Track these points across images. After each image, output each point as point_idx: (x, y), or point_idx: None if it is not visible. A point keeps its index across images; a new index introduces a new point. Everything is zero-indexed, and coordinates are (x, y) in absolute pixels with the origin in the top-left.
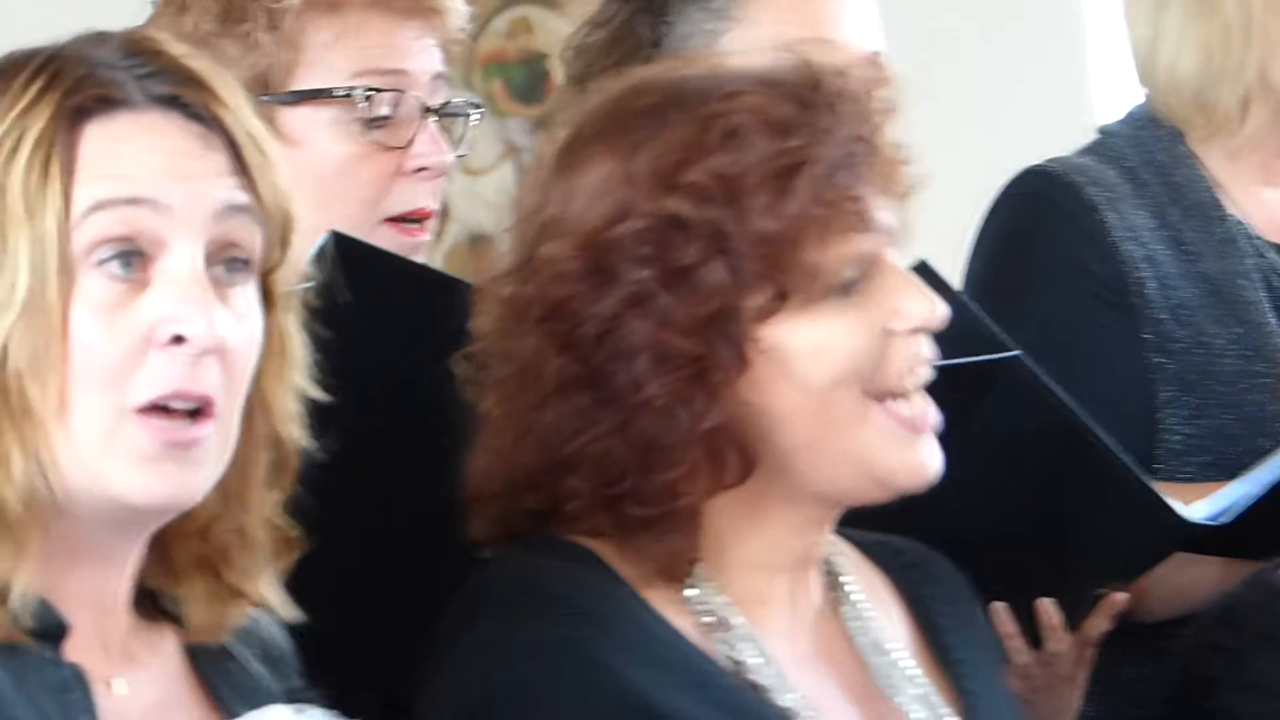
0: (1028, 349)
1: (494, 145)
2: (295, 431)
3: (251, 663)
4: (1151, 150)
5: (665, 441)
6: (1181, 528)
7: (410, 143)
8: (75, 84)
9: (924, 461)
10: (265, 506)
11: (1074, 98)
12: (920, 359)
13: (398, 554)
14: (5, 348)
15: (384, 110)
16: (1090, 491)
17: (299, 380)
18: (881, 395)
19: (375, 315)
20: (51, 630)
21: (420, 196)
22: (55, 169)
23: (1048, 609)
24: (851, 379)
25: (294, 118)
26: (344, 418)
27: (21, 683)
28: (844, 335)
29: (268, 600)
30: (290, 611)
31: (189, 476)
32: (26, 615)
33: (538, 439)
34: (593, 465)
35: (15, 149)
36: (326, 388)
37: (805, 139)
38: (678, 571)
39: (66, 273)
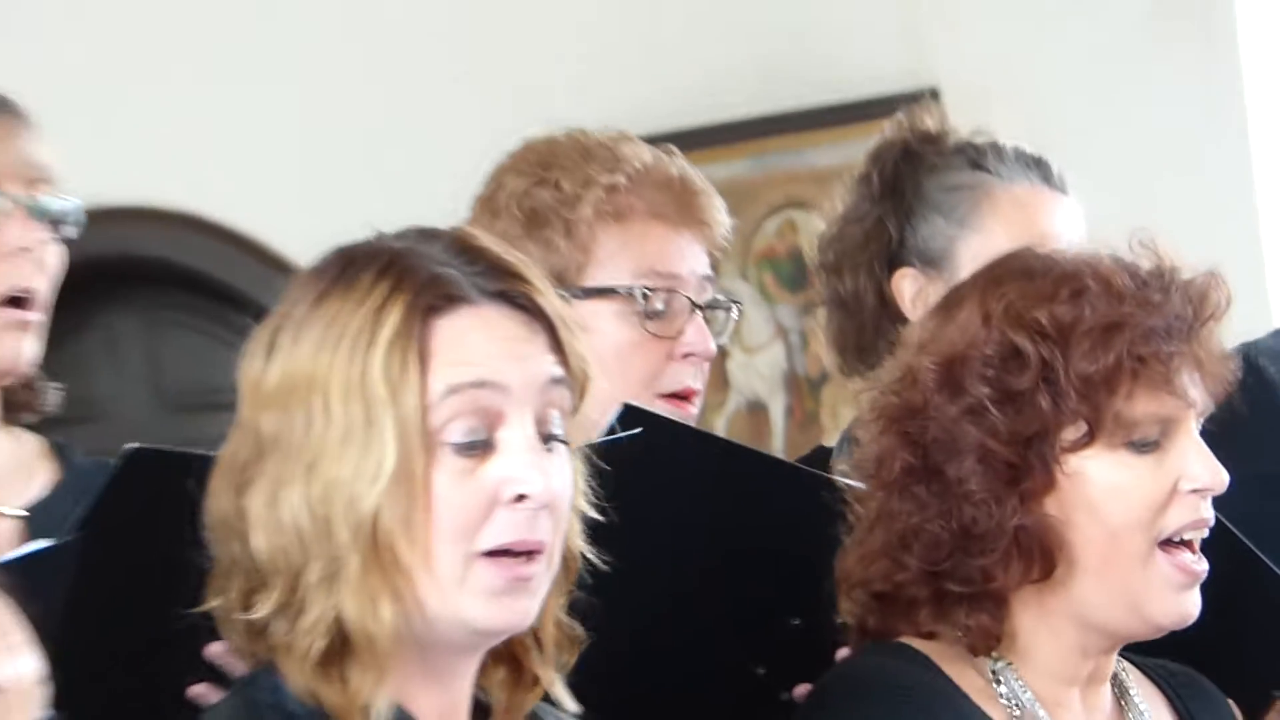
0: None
1: (766, 327)
2: (577, 544)
3: None
4: None
5: (980, 530)
6: None
7: (680, 333)
8: (422, 286)
9: (1189, 609)
10: (554, 608)
11: (1254, 291)
12: (1201, 517)
13: (672, 662)
14: (377, 512)
15: (659, 306)
16: (1264, 613)
17: (581, 502)
18: (1162, 543)
19: (663, 474)
20: None
21: (687, 378)
22: (412, 358)
23: (1233, 710)
24: (1139, 524)
25: (583, 309)
26: (630, 552)
27: None
28: (1139, 483)
29: (555, 690)
30: (570, 702)
31: (526, 605)
32: None
33: (884, 522)
34: (922, 545)
35: (372, 340)
36: (617, 537)
37: (1134, 306)
38: (983, 647)
39: (427, 447)
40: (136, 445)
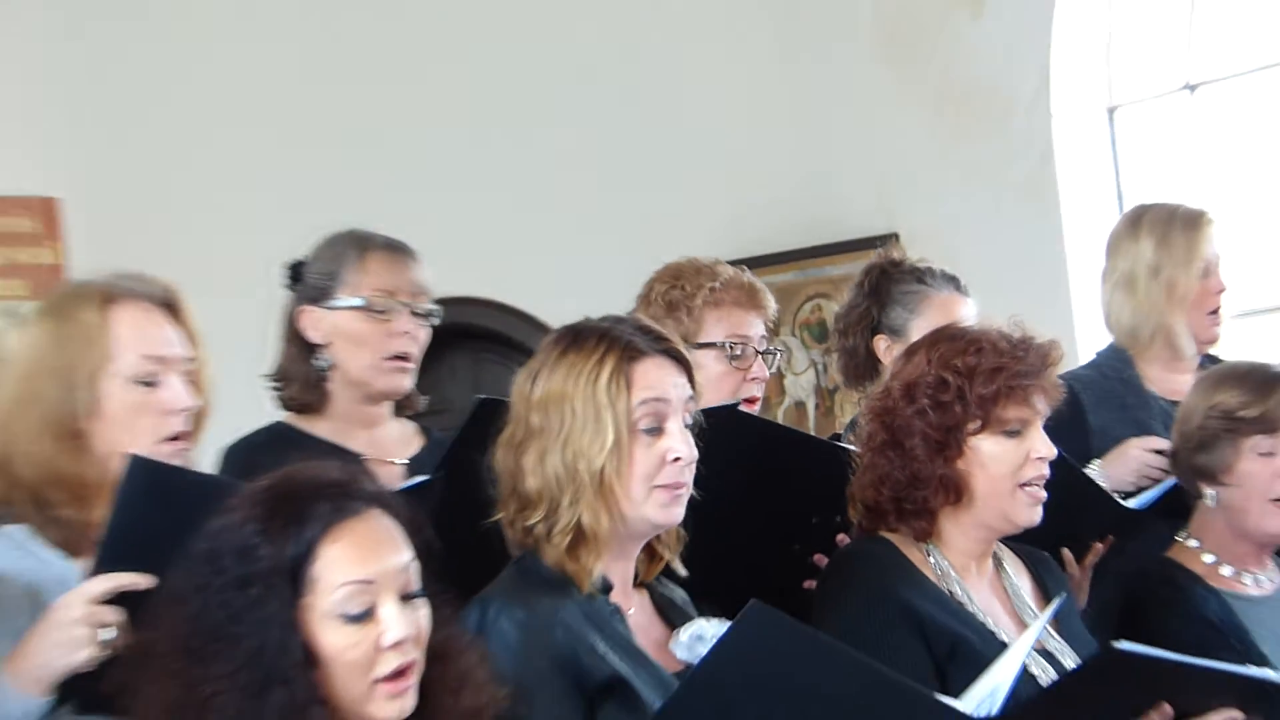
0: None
1: (805, 361)
2: None
3: (679, 603)
4: (1114, 360)
5: (921, 477)
6: (1128, 513)
7: (750, 367)
8: (624, 345)
9: (1035, 518)
10: None
11: (1067, 345)
12: (1042, 473)
13: (744, 544)
14: (603, 466)
15: (738, 353)
16: (1089, 503)
17: None
18: (1021, 484)
19: (741, 441)
20: (607, 589)
21: (754, 391)
22: (622, 384)
23: (1068, 554)
24: (1008, 475)
25: (697, 355)
26: (722, 482)
27: (595, 613)
28: (1009, 454)
29: (674, 564)
30: (681, 569)
31: (679, 511)
32: (599, 583)
33: (870, 470)
34: (890, 484)
35: (598, 375)
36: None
37: (1008, 359)
38: (923, 538)
39: (630, 433)
40: (483, 395)
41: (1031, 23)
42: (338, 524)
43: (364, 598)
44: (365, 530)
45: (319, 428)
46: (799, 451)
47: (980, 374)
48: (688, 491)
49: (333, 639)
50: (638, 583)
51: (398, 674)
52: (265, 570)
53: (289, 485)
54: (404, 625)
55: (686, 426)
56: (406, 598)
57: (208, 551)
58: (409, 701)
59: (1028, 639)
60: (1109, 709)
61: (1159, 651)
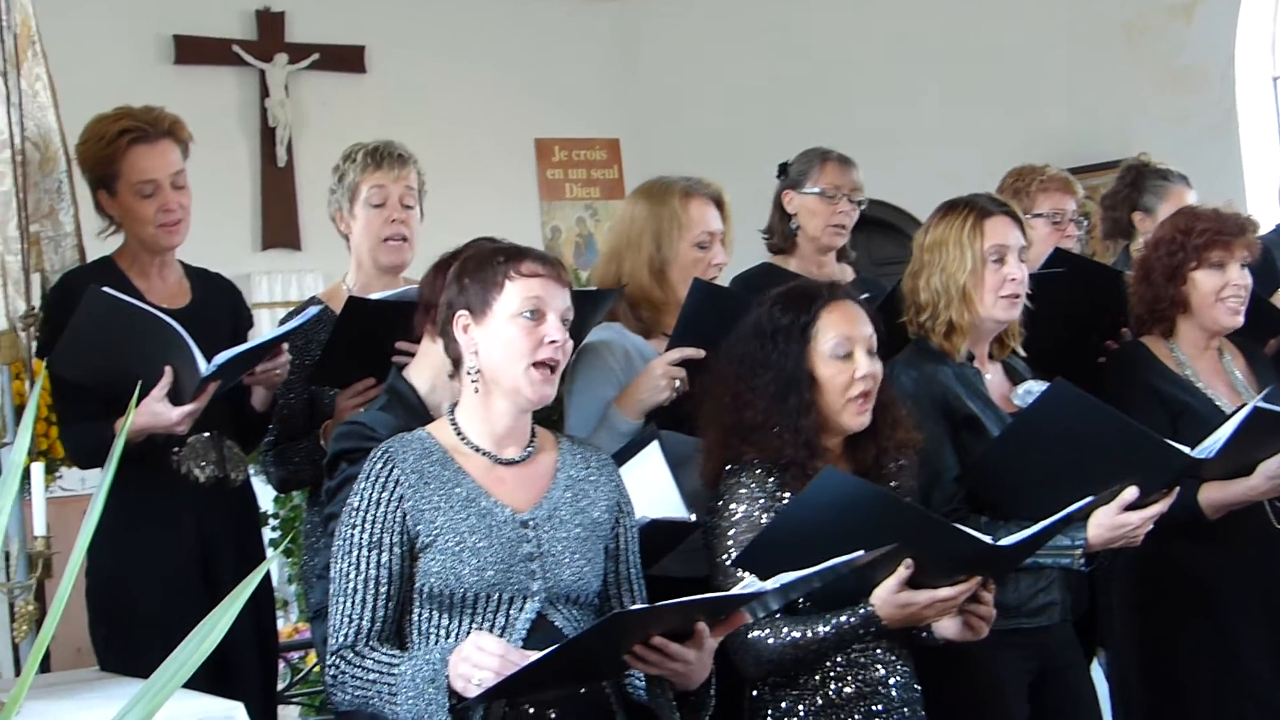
0: None
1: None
2: None
3: (1021, 370)
4: None
5: (1162, 296)
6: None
7: (1066, 230)
8: (979, 208)
9: (1236, 322)
10: None
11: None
12: (1237, 286)
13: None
14: (965, 284)
15: (1057, 220)
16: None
17: None
18: (1220, 299)
19: (1065, 274)
20: (970, 358)
21: (1068, 244)
22: (978, 233)
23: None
24: (1214, 294)
25: (1031, 222)
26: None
27: (961, 374)
28: (1214, 280)
29: (1015, 347)
30: (1021, 351)
31: (1016, 312)
32: (965, 355)
33: (1135, 294)
34: (1145, 302)
35: (963, 225)
36: None
37: (1211, 223)
38: (1166, 336)
39: (983, 263)
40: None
41: (1223, 25)
42: (830, 303)
43: (846, 346)
44: (845, 309)
45: (789, 264)
46: (1097, 274)
47: (1194, 233)
48: (1022, 299)
49: (824, 370)
50: (995, 357)
51: (862, 395)
52: (787, 326)
53: (802, 284)
54: (869, 366)
55: (1021, 261)
56: (870, 352)
57: (755, 321)
58: (866, 419)
59: (1243, 411)
60: (1264, 444)
61: None
